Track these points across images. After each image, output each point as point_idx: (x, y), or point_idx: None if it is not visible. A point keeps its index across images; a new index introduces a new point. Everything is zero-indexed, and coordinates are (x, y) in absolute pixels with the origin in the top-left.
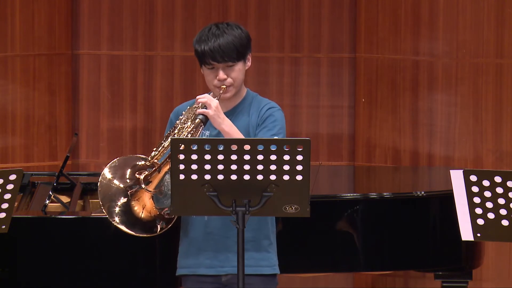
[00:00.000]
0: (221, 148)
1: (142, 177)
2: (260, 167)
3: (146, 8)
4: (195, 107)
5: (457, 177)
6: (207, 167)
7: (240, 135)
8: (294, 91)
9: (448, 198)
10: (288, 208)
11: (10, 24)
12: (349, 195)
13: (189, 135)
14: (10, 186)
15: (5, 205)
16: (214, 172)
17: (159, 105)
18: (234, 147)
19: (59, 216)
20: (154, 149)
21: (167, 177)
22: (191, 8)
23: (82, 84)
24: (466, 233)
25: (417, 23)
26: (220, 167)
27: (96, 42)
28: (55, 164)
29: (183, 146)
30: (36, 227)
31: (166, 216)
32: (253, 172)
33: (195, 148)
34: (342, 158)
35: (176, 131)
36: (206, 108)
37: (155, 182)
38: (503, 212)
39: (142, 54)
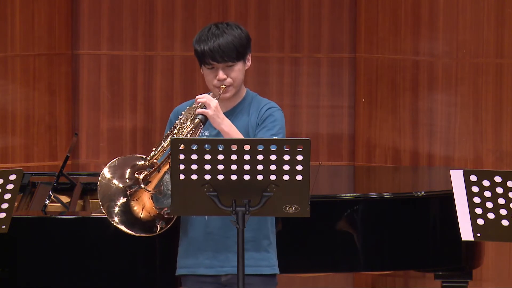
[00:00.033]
0: (221, 148)
1: (141, 177)
2: (260, 167)
3: (146, 8)
4: (195, 107)
5: (457, 177)
6: (207, 167)
7: (239, 135)
8: (294, 91)
9: (448, 198)
10: (288, 208)
11: (10, 24)
12: (349, 195)
13: (189, 135)
14: (10, 186)
15: (5, 205)
16: (214, 172)
17: (159, 105)
18: (234, 147)
19: (59, 216)
20: (154, 148)
21: (167, 177)
22: (191, 8)
23: (82, 84)
24: (466, 233)
25: (417, 23)
26: (220, 167)
27: (96, 42)
28: (55, 164)
29: (183, 146)
30: (36, 227)
31: (166, 216)
32: (253, 172)
33: (195, 148)
34: (342, 158)
35: (175, 131)
36: (205, 108)
37: (154, 182)
38: (503, 212)
39: (142, 54)
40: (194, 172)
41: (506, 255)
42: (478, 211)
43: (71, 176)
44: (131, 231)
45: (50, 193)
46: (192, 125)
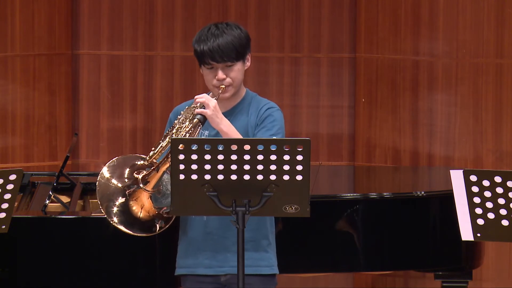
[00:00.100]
0: (221, 148)
1: (140, 176)
2: (260, 167)
3: (146, 8)
4: (194, 107)
5: (457, 177)
6: (207, 167)
7: (238, 135)
8: (294, 91)
9: (448, 198)
10: (288, 208)
11: (10, 24)
12: (349, 195)
13: (187, 135)
14: (10, 186)
15: (5, 205)
16: (214, 172)
17: (159, 105)
18: (234, 147)
19: (59, 216)
20: (153, 148)
21: (166, 176)
22: (191, 8)
23: (82, 84)
24: (466, 233)
25: (417, 23)
26: (220, 167)
27: (96, 42)
28: (55, 164)
29: (183, 146)
30: (36, 227)
31: (165, 215)
32: (253, 172)
33: (195, 148)
34: (342, 158)
35: (174, 130)
36: (204, 108)
37: (153, 181)
38: (503, 212)
39: (142, 54)
40: (194, 172)
41: (506, 255)
42: (478, 211)
43: (71, 176)
44: (130, 231)
45: (50, 193)
46: (191, 125)
